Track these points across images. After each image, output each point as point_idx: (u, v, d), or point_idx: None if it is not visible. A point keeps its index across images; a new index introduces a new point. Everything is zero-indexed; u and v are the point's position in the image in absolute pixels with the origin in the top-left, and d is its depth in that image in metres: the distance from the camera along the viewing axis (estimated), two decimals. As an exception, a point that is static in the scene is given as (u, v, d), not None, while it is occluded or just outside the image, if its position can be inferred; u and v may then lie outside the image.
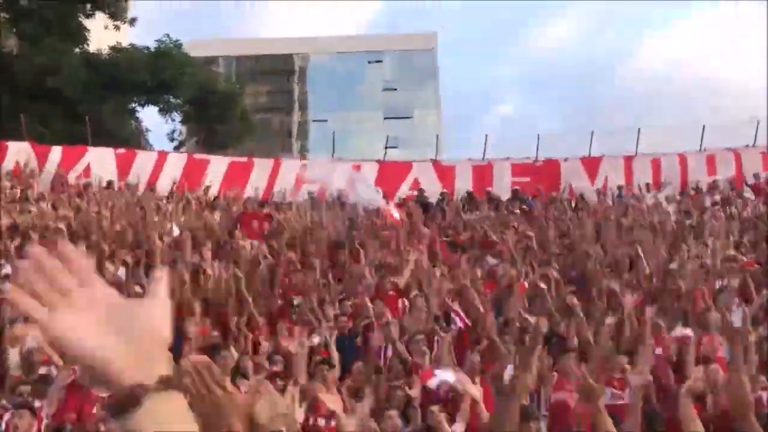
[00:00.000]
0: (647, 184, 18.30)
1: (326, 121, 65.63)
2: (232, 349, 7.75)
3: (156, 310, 0.93)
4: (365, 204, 15.76)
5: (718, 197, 17.11)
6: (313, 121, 67.57)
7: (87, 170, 18.30)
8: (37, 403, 6.52)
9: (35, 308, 0.88)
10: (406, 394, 6.86)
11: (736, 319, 8.40)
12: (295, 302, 9.46)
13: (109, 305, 0.91)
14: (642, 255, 10.67)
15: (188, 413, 0.90)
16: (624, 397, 6.80)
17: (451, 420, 6.32)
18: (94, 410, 6.69)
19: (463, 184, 19.24)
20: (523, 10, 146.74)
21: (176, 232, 12.46)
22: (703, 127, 20.50)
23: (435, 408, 6.40)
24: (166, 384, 0.88)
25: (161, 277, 0.99)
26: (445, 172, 19.93)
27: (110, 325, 0.89)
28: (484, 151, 20.89)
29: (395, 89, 72.81)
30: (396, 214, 14.79)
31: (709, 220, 13.88)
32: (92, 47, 27.17)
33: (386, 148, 24.35)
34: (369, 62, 73.53)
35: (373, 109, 70.96)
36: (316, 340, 8.02)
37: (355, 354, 8.55)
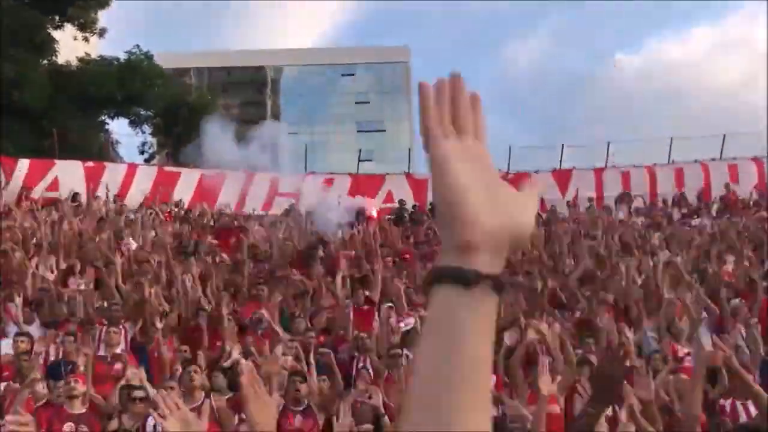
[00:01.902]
0: (618, 196, 18.54)
1: (297, 133, 65.55)
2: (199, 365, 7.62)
3: (530, 205, 0.83)
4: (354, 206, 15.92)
5: (686, 209, 17.37)
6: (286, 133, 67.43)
7: (55, 183, 18.01)
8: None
9: (437, 125, 0.82)
10: (373, 407, 6.82)
11: (704, 332, 8.54)
12: (262, 316, 9.35)
13: (492, 172, 0.83)
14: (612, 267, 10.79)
15: (489, 329, 0.77)
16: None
17: None
18: (65, 428, 6.55)
19: (436, 196, 19.29)
20: (496, 25, 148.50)
21: (133, 246, 12.35)
22: (671, 139, 20.87)
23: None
24: (500, 286, 0.76)
25: (536, 183, 0.89)
26: (418, 185, 19.97)
27: (490, 189, 0.79)
28: (457, 164, 20.97)
29: (368, 102, 73.00)
30: (374, 213, 14.82)
31: (677, 233, 14.08)
32: (61, 59, 26.79)
33: (359, 161, 24.34)
34: (342, 75, 73.66)
35: (346, 122, 71.04)
36: (279, 352, 7.94)
37: (324, 368, 8.48)
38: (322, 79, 72.41)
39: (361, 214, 15.98)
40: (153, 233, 13.67)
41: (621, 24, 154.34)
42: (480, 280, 0.75)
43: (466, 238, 0.77)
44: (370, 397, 7.02)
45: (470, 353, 0.74)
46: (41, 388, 6.99)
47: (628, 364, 6.59)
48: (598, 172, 20.03)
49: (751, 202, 17.54)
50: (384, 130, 70.73)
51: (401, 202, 18.61)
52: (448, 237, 0.78)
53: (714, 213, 17.01)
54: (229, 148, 14.54)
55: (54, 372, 7.55)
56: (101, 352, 8.27)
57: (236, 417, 6.87)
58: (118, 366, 8.16)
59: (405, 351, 8.29)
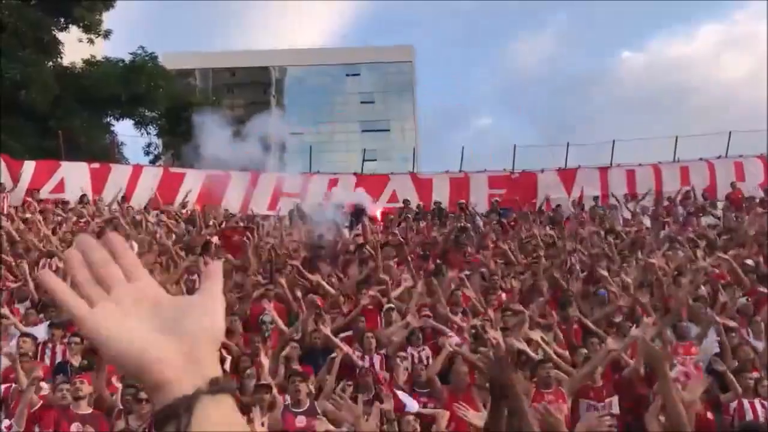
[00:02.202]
0: (624, 195, 18.50)
1: (303, 133, 65.62)
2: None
3: (208, 306, 0.84)
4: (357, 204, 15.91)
5: (692, 208, 17.32)
6: (290, 134, 67.48)
7: (61, 185, 18.09)
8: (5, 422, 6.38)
9: (74, 301, 0.80)
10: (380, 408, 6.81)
11: (711, 333, 8.52)
12: (266, 318, 9.36)
13: (157, 301, 0.84)
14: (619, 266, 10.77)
15: (240, 417, 0.82)
16: (599, 408, 6.84)
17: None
18: (72, 428, 6.57)
19: (441, 196, 19.32)
20: (501, 23, 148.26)
21: (135, 248, 12.38)
22: (676, 138, 20.82)
23: (410, 418, 6.41)
24: (216, 387, 0.80)
25: (215, 271, 0.89)
26: (422, 185, 20.02)
27: (157, 322, 0.81)
28: (461, 163, 21.03)
29: (372, 102, 73.01)
30: (378, 215, 14.84)
31: (683, 231, 14.04)
32: (66, 60, 26.90)
33: (364, 161, 24.37)
34: (346, 75, 73.67)
35: (351, 122, 71.06)
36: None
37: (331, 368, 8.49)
38: (327, 79, 72.45)
39: (359, 213, 15.96)
40: (158, 234, 13.69)
41: (627, 22, 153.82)
42: (195, 400, 0.78)
43: (159, 380, 0.78)
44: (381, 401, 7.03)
45: None
46: (44, 389, 7.02)
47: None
48: (604, 170, 20.00)
49: (758, 200, 17.48)
50: (388, 130, 70.74)
51: (406, 201, 18.64)
52: (152, 393, 0.79)
53: (720, 211, 16.95)
54: (223, 141, 14.25)
55: (60, 372, 7.60)
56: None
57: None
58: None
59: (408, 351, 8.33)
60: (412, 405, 7.14)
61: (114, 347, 0.79)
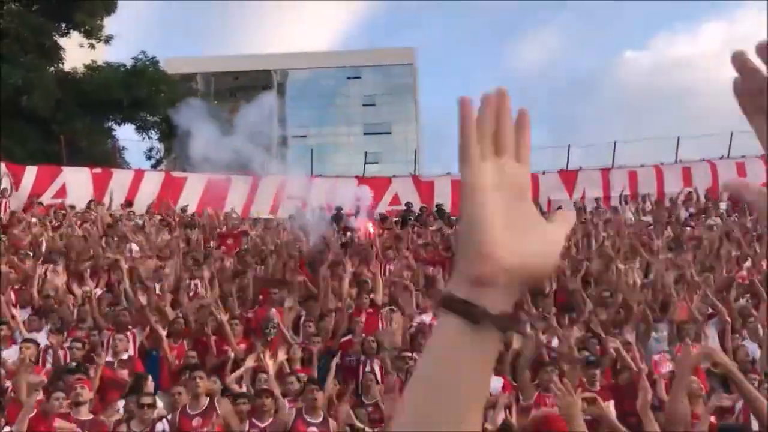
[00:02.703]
0: (625, 196, 18.46)
1: (305, 137, 65.64)
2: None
3: (558, 239, 0.79)
4: (355, 205, 15.82)
5: (693, 209, 17.27)
6: (292, 137, 67.49)
7: (62, 190, 18.11)
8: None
9: (474, 144, 0.77)
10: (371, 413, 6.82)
11: (712, 334, 8.50)
12: (271, 321, 9.36)
13: (527, 203, 0.79)
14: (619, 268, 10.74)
15: (479, 371, 0.76)
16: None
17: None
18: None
19: (443, 198, 19.30)
20: (503, 24, 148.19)
21: (135, 249, 12.39)
22: (678, 138, 20.79)
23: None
24: (506, 323, 0.74)
25: (571, 216, 0.84)
26: (424, 187, 20.00)
27: (520, 223, 0.77)
28: (463, 165, 20.96)
29: (374, 104, 73.03)
30: (371, 229, 14.80)
31: (686, 232, 13.99)
32: (67, 66, 26.95)
33: (366, 163, 24.37)
34: (348, 78, 73.71)
35: (353, 125, 71.08)
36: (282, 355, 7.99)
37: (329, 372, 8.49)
38: (329, 81, 72.48)
39: (339, 218, 15.92)
40: (160, 239, 13.70)
41: (629, 21, 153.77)
42: (487, 320, 0.74)
43: (480, 272, 0.75)
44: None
45: (463, 392, 0.74)
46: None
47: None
48: (605, 171, 19.97)
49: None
50: (390, 132, 70.73)
51: (408, 204, 18.63)
52: (463, 265, 0.76)
53: (723, 212, 16.89)
54: (209, 135, 13.70)
55: (61, 378, 7.58)
56: (108, 358, 8.30)
57: (246, 423, 6.88)
58: (124, 372, 8.18)
59: (414, 354, 8.31)
60: None
61: (476, 209, 0.76)
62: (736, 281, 10.43)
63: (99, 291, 10.35)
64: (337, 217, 16.13)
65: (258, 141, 14.41)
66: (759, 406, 4.34)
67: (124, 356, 8.45)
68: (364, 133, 70.09)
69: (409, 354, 8.16)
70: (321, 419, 6.83)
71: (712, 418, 6.41)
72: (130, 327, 9.00)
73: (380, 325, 9.63)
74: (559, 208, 17.96)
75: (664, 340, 8.79)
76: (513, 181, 0.79)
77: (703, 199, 18.08)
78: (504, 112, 0.80)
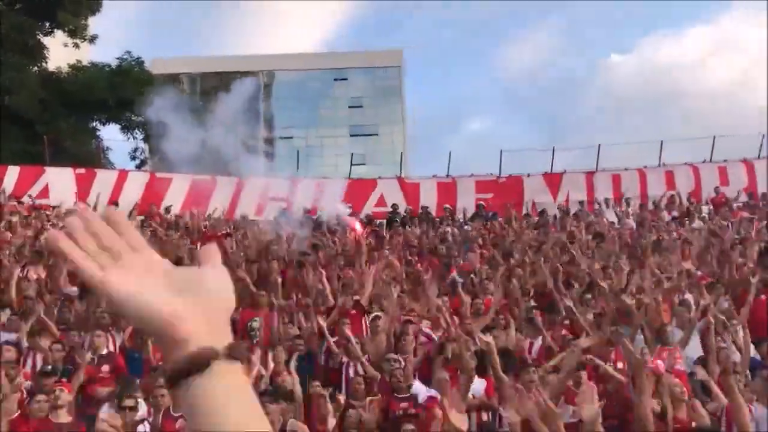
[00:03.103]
0: (606, 200, 18.58)
1: (292, 138, 65.54)
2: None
3: (219, 276, 0.85)
4: (334, 216, 15.74)
5: (676, 212, 17.41)
6: (279, 138, 67.36)
7: (45, 190, 17.98)
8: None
9: (88, 264, 0.80)
10: (359, 414, 6.80)
11: (695, 337, 8.55)
12: (255, 324, 9.32)
13: (167, 270, 0.83)
14: (601, 271, 10.81)
15: (250, 387, 0.82)
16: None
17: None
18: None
19: (428, 200, 19.35)
20: (489, 27, 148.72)
21: None
22: (661, 142, 20.96)
23: (409, 427, 6.39)
24: (234, 352, 0.80)
25: (214, 251, 0.89)
26: (410, 189, 20.04)
27: (172, 286, 0.81)
28: (448, 167, 21.07)
29: (361, 106, 73.03)
30: (359, 228, 14.80)
31: (669, 235, 14.10)
32: (51, 65, 26.77)
33: (352, 165, 24.37)
34: (335, 79, 73.65)
35: (339, 127, 71.03)
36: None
37: (314, 374, 8.47)
38: (315, 83, 72.39)
39: (319, 224, 15.88)
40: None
41: (616, 24, 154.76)
42: (215, 357, 0.78)
43: (179, 337, 0.79)
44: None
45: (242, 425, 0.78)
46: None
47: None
48: (589, 175, 20.09)
49: (741, 204, 17.61)
50: (377, 134, 70.75)
51: (394, 206, 18.65)
52: (169, 350, 0.80)
53: (705, 215, 17.05)
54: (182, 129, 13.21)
55: (41, 380, 7.53)
56: (88, 354, 8.28)
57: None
58: (105, 368, 8.16)
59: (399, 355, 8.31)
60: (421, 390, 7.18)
61: (133, 305, 0.79)
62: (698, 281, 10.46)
63: (75, 290, 10.28)
64: (319, 220, 16.09)
65: (239, 130, 14.07)
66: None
67: (104, 351, 8.43)
68: (351, 135, 70.07)
69: (394, 356, 8.14)
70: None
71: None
72: (110, 329, 8.94)
73: (365, 328, 9.61)
74: (543, 210, 18.05)
75: (638, 343, 8.83)
76: (142, 265, 0.83)
77: (686, 203, 18.23)
78: (93, 225, 0.83)
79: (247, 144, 14.73)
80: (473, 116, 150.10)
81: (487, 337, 7.38)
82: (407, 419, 6.69)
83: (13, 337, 8.68)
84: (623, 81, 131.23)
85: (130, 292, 0.79)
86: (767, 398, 6.69)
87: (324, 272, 10.74)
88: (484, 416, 7.55)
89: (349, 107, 72.87)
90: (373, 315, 9.44)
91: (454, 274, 11.91)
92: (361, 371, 8.36)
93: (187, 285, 0.82)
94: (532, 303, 10.06)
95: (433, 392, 7.30)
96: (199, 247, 12.94)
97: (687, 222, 16.04)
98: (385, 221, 17.63)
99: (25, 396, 7.17)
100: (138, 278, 0.81)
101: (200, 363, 0.78)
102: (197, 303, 0.80)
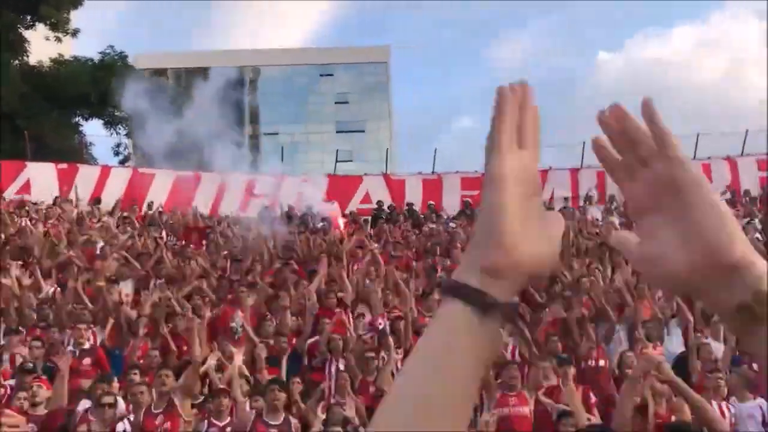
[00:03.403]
0: (590, 197, 18.63)
1: (277, 134, 65.33)
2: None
3: (558, 232, 0.79)
4: (317, 214, 15.70)
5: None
6: (264, 134, 67.14)
7: (27, 185, 17.78)
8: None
9: (506, 139, 0.78)
10: (345, 416, 6.78)
11: (675, 333, 8.60)
12: (236, 321, 9.26)
13: (538, 201, 0.78)
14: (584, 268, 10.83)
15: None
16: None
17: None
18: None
19: (414, 197, 19.32)
20: (478, 25, 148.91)
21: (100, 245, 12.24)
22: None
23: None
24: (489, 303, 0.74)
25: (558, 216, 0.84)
26: (395, 186, 20.00)
27: (531, 214, 0.76)
28: (434, 164, 21.04)
29: (347, 102, 72.91)
30: (341, 223, 14.76)
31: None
32: (32, 59, 26.46)
33: (337, 161, 24.30)
34: (321, 75, 73.47)
35: (325, 123, 70.89)
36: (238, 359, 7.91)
37: (298, 372, 8.44)
38: (301, 79, 72.19)
39: (305, 220, 15.84)
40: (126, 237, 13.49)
41: (604, 23, 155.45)
42: (495, 309, 0.74)
43: (497, 262, 0.74)
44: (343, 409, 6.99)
45: (460, 379, 0.73)
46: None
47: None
48: (574, 172, 20.14)
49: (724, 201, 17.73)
50: (363, 131, 70.68)
51: (379, 203, 18.61)
52: (476, 254, 0.76)
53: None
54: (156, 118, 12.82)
55: (21, 377, 7.50)
56: (70, 348, 8.25)
57: (205, 422, 6.82)
58: (87, 360, 8.12)
59: (381, 354, 8.29)
60: None
61: (503, 200, 0.75)
62: None
63: (51, 288, 10.21)
64: (304, 217, 16.03)
65: (219, 122, 13.87)
66: (708, 416, 4.45)
67: (86, 345, 8.37)
68: (337, 131, 69.97)
69: (373, 354, 8.11)
70: (281, 420, 6.77)
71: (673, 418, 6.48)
72: (90, 326, 8.87)
73: (348, 326, 9.58)
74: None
75: (620, 340, 8.86)
76: (529, 176, 0.79)
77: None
78: (527, 106, 0.81)
79: (227, 134, 14.43)
80: (461, 114, 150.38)
81: None
82: None
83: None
84: (610, 79, 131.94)
85: (510, 194, 0.76)
86: (742, 394, 6.73)
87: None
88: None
89: (336, 103, 72.77)
90: (357, 313, 9.42)
91: (441, 274, 11.92)
92: (343, 368, 8.33)
93: (539, 228, 0.77)
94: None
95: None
96: (180, 240, 12.88)
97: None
98: (370, 218, 17.58)
99: (7, 392, 7.16)
100: (523, 187, 0.77)
101: (484, 305, 0.73)
102: (534, 252, 0.76)
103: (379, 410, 0.73)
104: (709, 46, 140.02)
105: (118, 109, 26.44)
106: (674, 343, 8.84)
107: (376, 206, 18.53)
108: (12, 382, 7.40)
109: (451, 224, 16.55)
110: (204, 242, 13.53)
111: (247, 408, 6.98)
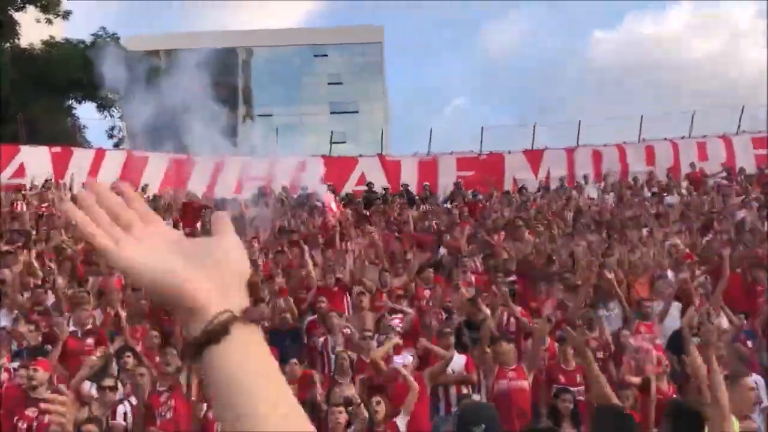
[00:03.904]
0: (586, 176, 18.66)
1: (271, 115, 65.02)
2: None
3: (231, 243, 0.85)
4: (313, 194, 15.73)
5: (656, 188, 17.53)
6: (258, 116, 66.83)
7: (21, 170, 17.70)
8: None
9: (100, 234, 0.81)
10: (346, 397, 6.81)
11: (674, 311, 8.64)
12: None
13: (179, 239, 0.84)
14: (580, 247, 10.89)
15: (267, 349, 0.82)
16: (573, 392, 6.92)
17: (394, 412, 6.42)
18: (28, 413, 6.50)
19: (409, 178, 19.31)
20: (474, 5, 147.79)
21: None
22: (641, 117, 21.02)
23: (376, 399, 6.43)
24: (250, 316, 0.80)
25: (225, 217, 0.89)
26: (391, 167, 19.98)
27: (183, 255, 0.81)
28: (429, 145, 21.02)
29: (341, 83, 72.55)
30: (334, 207, 14.76)
31: (647, 211, 14.21)
32: (23, 42, 26.19)
33: (332, 143, 24.22)
34: (315, 56, 73.01)
35: (319, 104, 70.58)
36: None
37: (299, 351, 8.48)
38: (295, 60, 71.74)
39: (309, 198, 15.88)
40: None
41: (599, 2, 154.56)
42: (232, 320, 0.78)
43: (194, 305, 0.79)
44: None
45: (264, 392, 0.77)
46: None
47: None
48: (570, 151, 20.14)
49: (719, 179, 17.77)
50: (357, 111, 70.41)
51: (369, 184, 18.59)
52: (186, 320, 0.80)
53: (684, 190, 17.19)
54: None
55: (18, 359, 7.56)
56: (72, 328, 8.29)
57: (204, 405, 6.86)
58: (90, 340, 8.15)
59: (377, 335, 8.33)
60: (404, 360, 7.22)
61: (147, 274, 0.80)
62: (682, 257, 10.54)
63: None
64: (301, 198, 16.05)
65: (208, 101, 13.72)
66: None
67: (89, 326, 8.40)
68: (331, 113, 69.69)
69: (370, 334, 8.16)
70: None
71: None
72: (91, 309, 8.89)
73: (347, 306, 9.62)
74: (523, 187, 18.07)
75: (615, 318, 8.89)
76: (154, 236, 0.83)
77: (665, 179, 18.34)
78: (105, 198, 0.85)
79: (220, 115, 14.31)
80: (455, 94, 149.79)
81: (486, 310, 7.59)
82: (375, 391, 6.76)
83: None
84: (605, 57, 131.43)
85: (144, 262, 0.80)
86: (732, 364, 6.80)
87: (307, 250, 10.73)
88: (464, 389, 7.62)
89: (329, 84, 72.40)
90: (356, 291, 9.46)
91: (443, 252, 12.01)
92: (341, 347, 8.38)
93: (200, 253, 0.82)
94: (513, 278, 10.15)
95: (407, 360, 7.31)
96: (180, 222, 12.87)
97: (664, 197, 16.17)
98: (362, 199, 17.58)
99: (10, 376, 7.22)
100: (151, 248, 0.81)
101: (219, 328, 0.77)
102: (211, 270, 0.80)
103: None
104: (704, 23, 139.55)
105: (102, 86, 26.17)
106: (671, 321, 8.88)
107: (366, 188, 18.49)
108: (15, 364, 7.43)
109: (446, 205, 16.58)
110: (199, 223, 13.51)
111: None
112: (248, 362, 0.78)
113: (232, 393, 0.77)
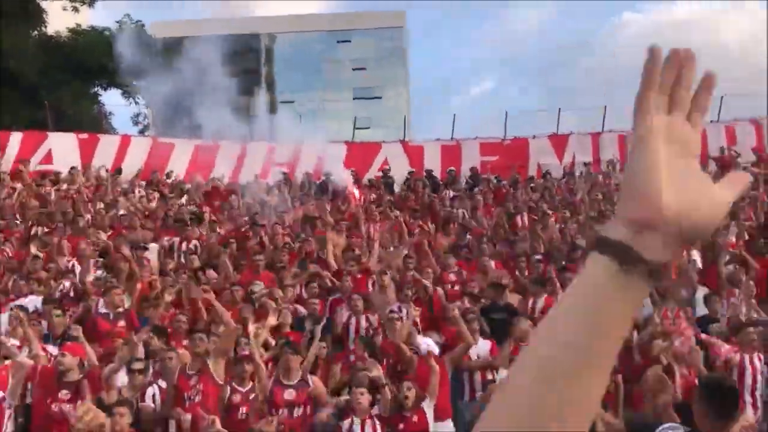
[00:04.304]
0: (610, 161, 18.46)
1: (293, 102, 65.10)
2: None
3: (724, 197, 0.78)
4: (336, 182, 15.78)
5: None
6: (281, 102, 66.92)
7: (48, 156, 17.94)
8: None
9: (652, 97, 0.79)
10: (372, 378, 6.86)
11: (699, 295, 8.57)
12: (255, 288, 9.37)
13: (693, 162, 0.78)
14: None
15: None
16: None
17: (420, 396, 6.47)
18: (60, 395, 6.64)
19: (432, 164, 19.25)
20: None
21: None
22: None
23: (407, 384, 6.48)
24: (658, 276, 0.74)
25: (738, 177, 0.82)
26: (414, 153, 19.93)
27: (683, 172, 0.76)
28: (452, 130, 20.92)
29: (364, 68, 72.36)
30: (357, 193, 14.81)
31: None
32: (50, 29, 26.47)
33: (355, 128, 24.19)
34: (338, 41, 72.86)
35: (342, 90, 70.49)
36: (272, 321, 8.08)
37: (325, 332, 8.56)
38: (318, 45, 71.65)
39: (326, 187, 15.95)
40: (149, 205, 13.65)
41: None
42: (640, 264, 0.73)
43: (641, 215, 0.74)
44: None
45: (602, 336, 0.72)
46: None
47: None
48: (595, 136, 19.93)
49: (750, 164, 17.50)
50: (380, 97, 70.22)
51: (385, 171, 18.57)
52: (624, 208, 0.76)
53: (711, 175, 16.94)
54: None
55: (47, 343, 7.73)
56: (104, 310, 8.44)
57: (228, 388, 6.95)
58: (121, 323, 8.29)
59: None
60: (428, 344, 7.27)
61: (649, 154, 0.76)
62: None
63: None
64: (324, 184, 16.11)
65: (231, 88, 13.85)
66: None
67: (120, 309, 8.53)
68: (354, 98, 69.57)
69: (397, 315, 8.20)
70: (297, 380, 6.90)
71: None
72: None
73: (370, 288, 9.68)
74: (547, 172, 17.93)
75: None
76: (680, 137, 0.79)
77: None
78: (686, 72, 0.80)
79: (243, 102, 14.50)
80: (481, 78, 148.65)
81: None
82: (400, 375, 6.81)
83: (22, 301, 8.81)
84: (633, 42, 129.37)
85: (657, 149, 0.76)
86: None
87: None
88: (489, 375, 7.63)
89: (353, 70, 72.21)
90: (379, 270, 9.53)
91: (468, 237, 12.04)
92: (364, 327, 8.46)
93: (695, 187, 0.76)
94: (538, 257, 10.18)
95: (432, 346, 7.36)
96: (201, 204, 13.02)
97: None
98: (382, 185, 17.59)
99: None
100: (672, 145, 0.77)
101: (629, 260, 0.73)
102: (685, 209, 0.74)
103: (518, 363, 0.74)
104: (735, 6, 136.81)
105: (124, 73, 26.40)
106: (698, 311, 8.83)
107: (382, 174, 18.47)
108: (54, 349, 7.59)
109: (469, 191, 16.54)
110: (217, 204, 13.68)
111: (265, 374, 7.11)
112: (614, 317, 0.73)
113: (578, 320, 0.72)
